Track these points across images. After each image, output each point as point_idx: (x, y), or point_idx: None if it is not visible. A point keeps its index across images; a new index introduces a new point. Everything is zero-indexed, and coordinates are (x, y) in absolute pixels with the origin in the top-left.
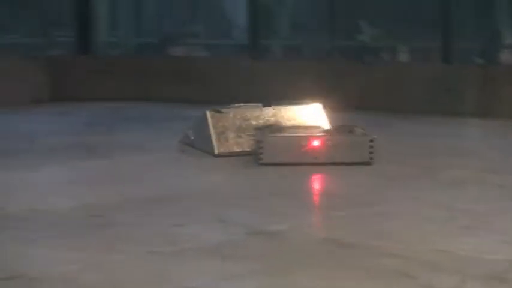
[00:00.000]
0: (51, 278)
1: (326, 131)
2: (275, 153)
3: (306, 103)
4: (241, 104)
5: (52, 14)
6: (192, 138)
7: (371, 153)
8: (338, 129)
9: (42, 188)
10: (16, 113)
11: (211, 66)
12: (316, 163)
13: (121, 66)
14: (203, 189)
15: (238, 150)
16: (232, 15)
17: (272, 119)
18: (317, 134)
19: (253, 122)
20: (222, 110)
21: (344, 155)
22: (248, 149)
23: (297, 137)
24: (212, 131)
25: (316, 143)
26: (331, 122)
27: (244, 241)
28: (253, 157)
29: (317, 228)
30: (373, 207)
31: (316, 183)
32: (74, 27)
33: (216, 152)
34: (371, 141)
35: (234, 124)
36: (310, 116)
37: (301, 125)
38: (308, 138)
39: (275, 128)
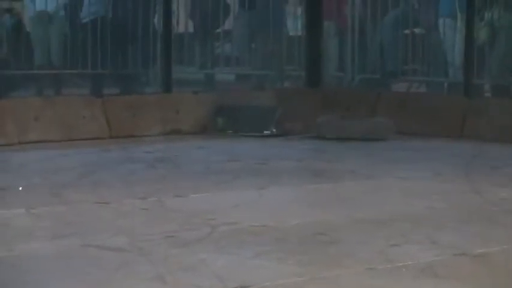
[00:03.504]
0: None
1: None
2: None
3: None
4: None
5: (283, 48)
6: None
7: None
8: None
9: (272, 206)
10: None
11: (429, 101)
12: None
13: (346, 99)
14: (417, 213)
15: None
16: (449, 55)
17: None
18: None
19: None
20: None
21: None
22: None
23: None
24: None
25: None
26: None
27: (453, 261)
28: None
29: None
30: None
31: None
32: (305, 62)
33: None
34: None
35: None
36: None
37: None
38: None
39: None
